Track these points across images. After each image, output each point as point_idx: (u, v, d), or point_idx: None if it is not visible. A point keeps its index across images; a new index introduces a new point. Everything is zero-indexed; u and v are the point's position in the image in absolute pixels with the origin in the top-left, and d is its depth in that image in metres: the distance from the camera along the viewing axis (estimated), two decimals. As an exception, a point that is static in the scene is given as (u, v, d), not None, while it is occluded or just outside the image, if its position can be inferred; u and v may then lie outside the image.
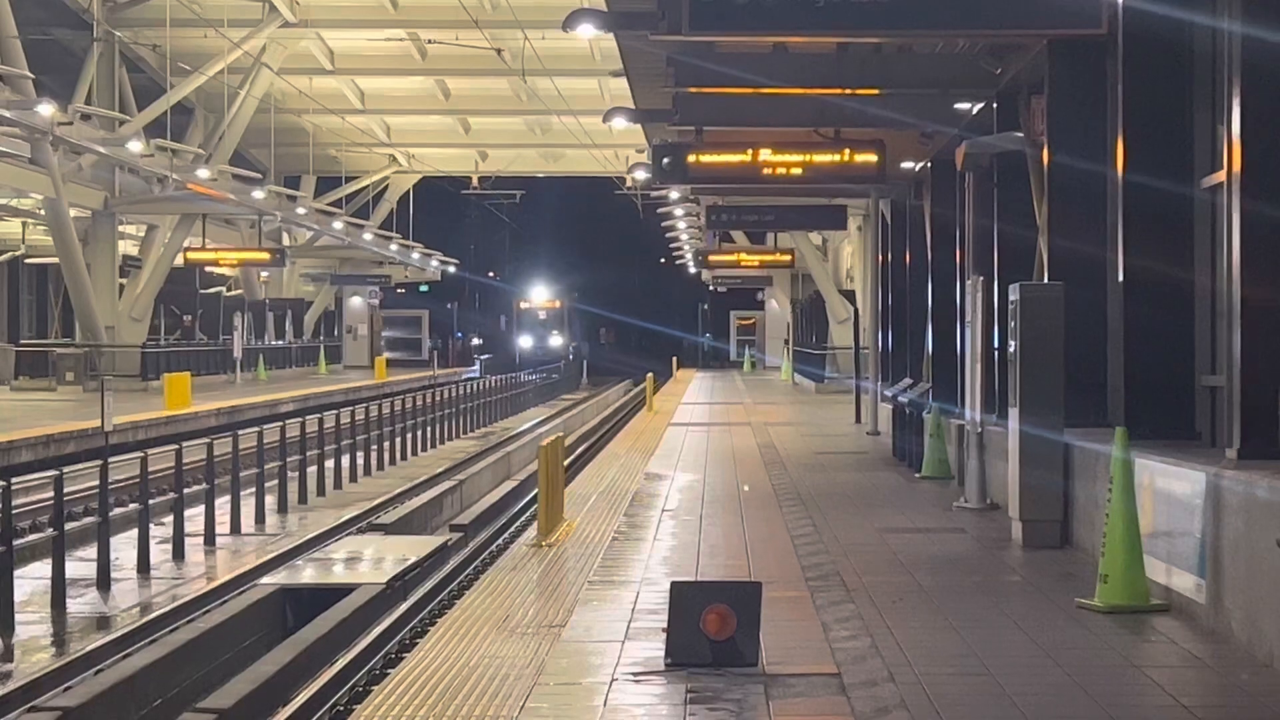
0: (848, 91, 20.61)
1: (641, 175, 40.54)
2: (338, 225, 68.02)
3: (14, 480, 17.19)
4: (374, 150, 71.28)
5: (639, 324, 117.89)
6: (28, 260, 63.08)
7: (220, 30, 47.55)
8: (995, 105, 20.09)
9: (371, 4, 48.67)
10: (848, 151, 21.84)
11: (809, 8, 13.63)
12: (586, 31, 19.59)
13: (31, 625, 16.12)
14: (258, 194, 54.61)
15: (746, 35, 15.32)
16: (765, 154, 21.90)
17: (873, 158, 21.77)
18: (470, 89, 60.56)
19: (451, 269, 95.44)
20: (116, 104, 47.80)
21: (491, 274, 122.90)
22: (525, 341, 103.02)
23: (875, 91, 20.73)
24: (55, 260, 54.53)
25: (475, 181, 80.00)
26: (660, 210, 61.92)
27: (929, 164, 25.08)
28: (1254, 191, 11.58)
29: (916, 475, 22.65)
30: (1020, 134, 18.90)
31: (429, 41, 52.55)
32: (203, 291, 77.24)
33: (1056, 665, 9.93)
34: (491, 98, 60.91)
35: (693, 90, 20.56)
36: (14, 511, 16.80)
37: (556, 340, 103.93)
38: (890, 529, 16.75)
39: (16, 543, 16.54)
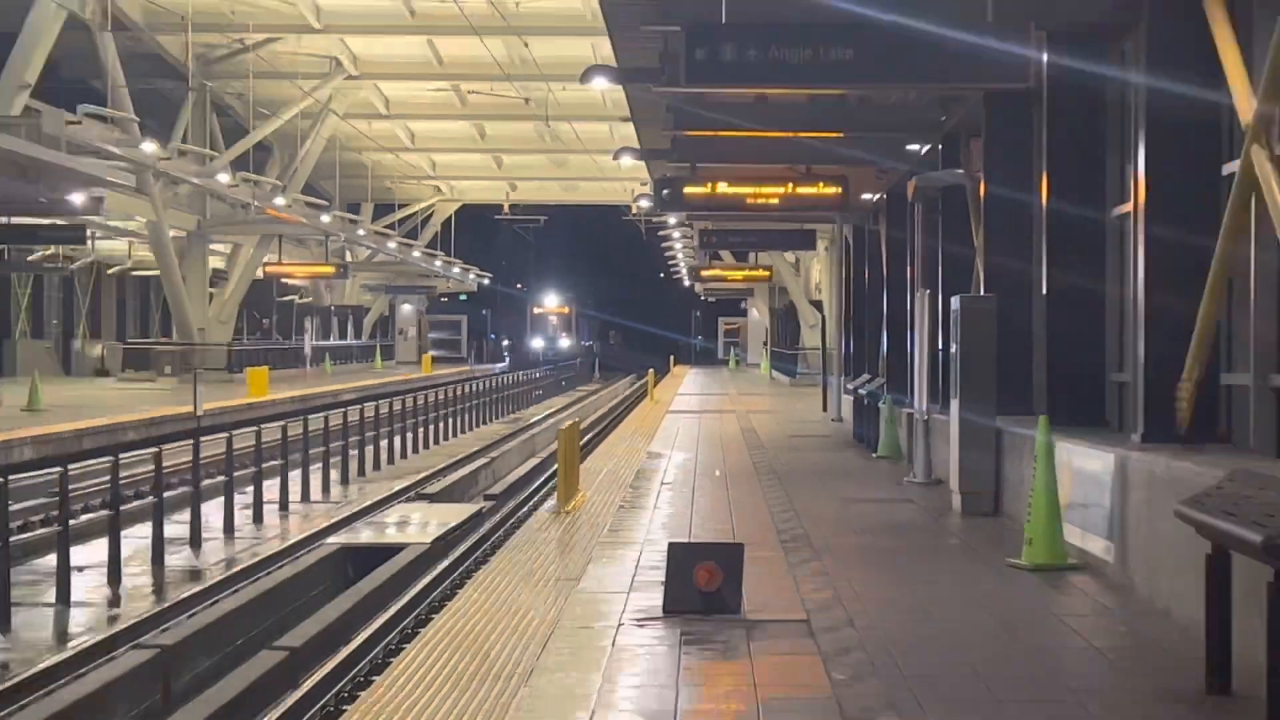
0: (817, 135, 20.63)
1: (645, 204, 40.68)
2: (391, 245, 68.08)
3: (121, 455, 17.26)
4: (422, 182, 71.41)
5: (642, 328, 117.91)
6: (133, 272, 63.20)
7: (294, 81, 47.73)
8: (940, 146, 20.14)
9: (420, 59, 48.60)
10: (817, 185, 21.83)
11: (785, 66, 13.62)
12: (600, 84, 19.41)
13: (136, 577, 16.18)
14: (325, 218, 54.62)
15: (733, 88, 15.32)
16: (749, 187, 21.92)
17: (837, 190, 21.72)
18: (502, 131, 60.44)
19: (485, 281, 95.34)
20: (208, 143, 47.92)
21: (519, 285, 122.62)
22: (537, 342, 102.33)
23: (840, 135, 20.74)
24: (156, 273, 54.67)
25: (506, 208, 79.92)
26: (660, 233, 62.02)
27: (885, 195, 25.08)
28: (1156, 219, 11.62)
29: (873, 455, 22.67)
30: (961, 170, 18.92)
31: (469, 91, 52.58)
32: (279, 299, 77.54)
33: (988, 613, 9.96)
34: (520, 139, 60.84)
35: (688, 133, 20.56)
36: (121, 482, 16.87)
37: (565, 342, 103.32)
38: (851, 499, 16.79)
39: (122, 508, 16.58)
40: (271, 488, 22.09)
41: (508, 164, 66.89)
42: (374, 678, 10.97)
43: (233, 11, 42.22)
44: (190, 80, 44.54)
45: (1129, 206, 13.00)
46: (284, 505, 22.00)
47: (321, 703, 11.61)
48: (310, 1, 41.82)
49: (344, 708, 10.94)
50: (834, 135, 20.68)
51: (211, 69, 46.62)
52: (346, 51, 47.18)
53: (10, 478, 14.91)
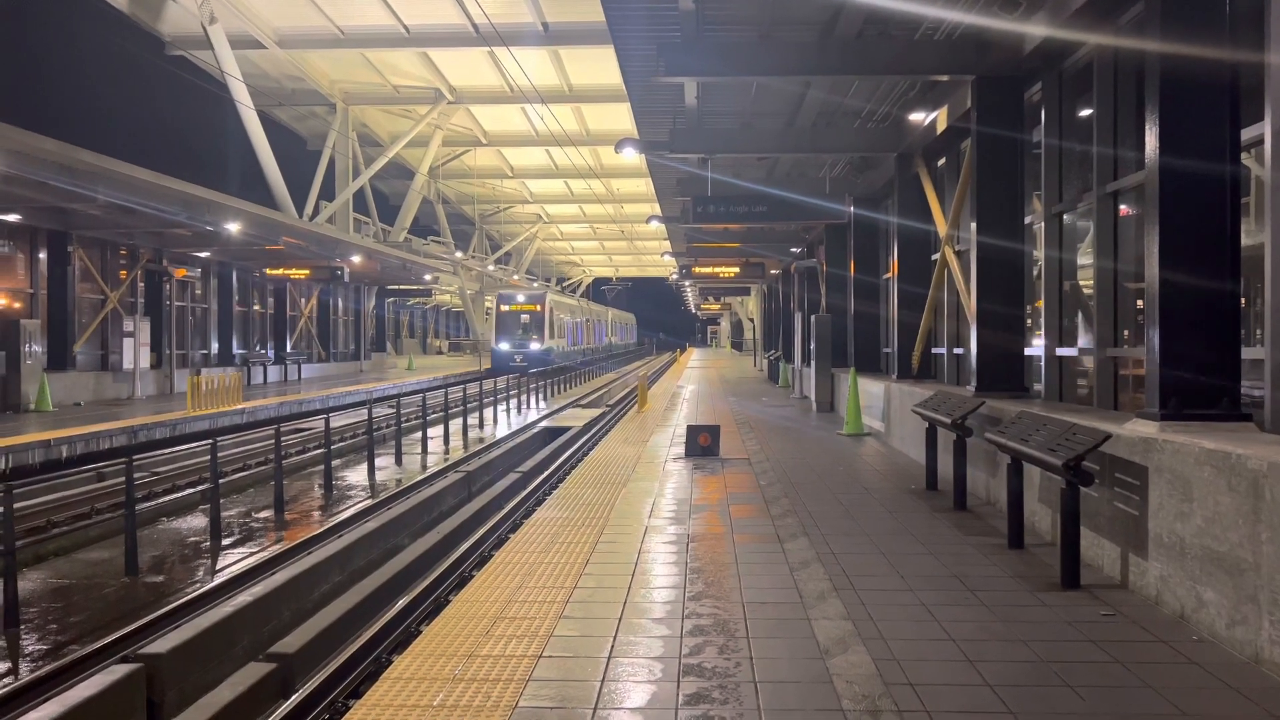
0: (750, 244, 20.52)
1: (675, 276, 40.31)
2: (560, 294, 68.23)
3: (452, 387, 17.22)
4: (577, 266, 71.09)
5: (673, 337, 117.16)
6: (451, 308, 63.58)
7: (519, 224, 47.46)
8: (806, 249, 19.97)
9: (569, 200, 47.81)
10: (752, 266, 21.71)
11: (735, 213, 13.56)
12: (655, 223, 18.60)
13: (456, 438, 16.28)
14: (535, 284, 54.51)
15: (712, 224, 15.03)
16: (720, 268, 21.81)
17: (761, 268, 21.63)
18: (608, 241, 59.80)
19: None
20: (485, 249, 47.78)
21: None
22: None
23: (759, 244, 20.64)
24: (461, 309, 54.89)
25: (614, 279, 79.63)
26: (681, 288, 61.26)
27: (781, 271, 24.88)
28: (902, 280, 11.50)
29: (776, 385, 22.57)
30: (815, 260, 18.81)
31: (596, 225, 51.66)
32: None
33: (829, 451, 9.92)
34: (617, 247, 60.44)
35: (693, 244, 20.51)
36: (450, 396, 16.83)
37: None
38: (766, 405, 16.72)
39: (452, 410, 16.55)
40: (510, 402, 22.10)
41: (609, 251, 66.45)
42: (566, 477, 11.04)
43: (497, 198, 41.94)
44: (476, 223, 44.65)
45: (890, 274, 12.91)
46: (520, 410, 22.02)
47: (541, 491, 11.64)
48: (527, 191, 41.06)
49: (552, 492, 11.08)
50: (755, 244, 20.60)
51: (487, 218, 46.65)
52: (541, 207, 46.76)
53: (387, 399, 14.90)
